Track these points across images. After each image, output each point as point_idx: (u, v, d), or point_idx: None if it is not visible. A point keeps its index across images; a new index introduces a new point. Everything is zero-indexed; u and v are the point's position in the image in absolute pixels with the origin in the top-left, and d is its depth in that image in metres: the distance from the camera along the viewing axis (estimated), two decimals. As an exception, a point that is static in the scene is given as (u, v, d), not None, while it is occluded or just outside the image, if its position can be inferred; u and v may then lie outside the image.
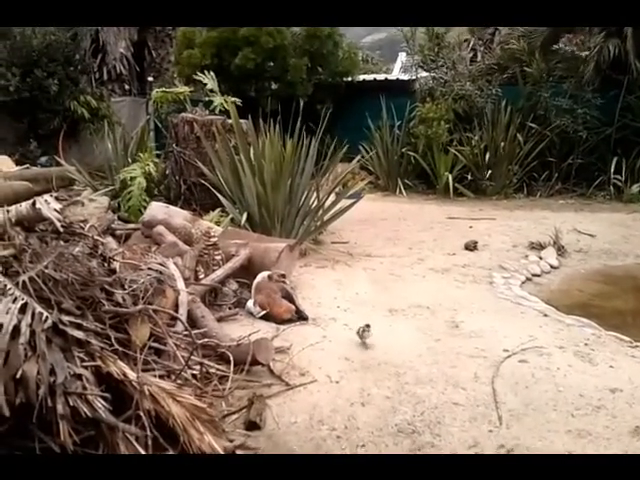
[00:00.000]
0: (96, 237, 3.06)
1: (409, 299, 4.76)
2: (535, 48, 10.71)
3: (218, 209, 6.08)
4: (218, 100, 6.95)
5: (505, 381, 3.26)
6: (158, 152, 7.87)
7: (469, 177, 10.44)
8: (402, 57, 17.19)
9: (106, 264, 2.95)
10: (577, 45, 10.45)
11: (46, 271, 2.50)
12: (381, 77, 14.02)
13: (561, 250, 6.54)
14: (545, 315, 4.51)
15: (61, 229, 2.91)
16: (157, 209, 5.44)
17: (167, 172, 6.93)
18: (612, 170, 9.79)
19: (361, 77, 13.13)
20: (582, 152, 10.22)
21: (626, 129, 9.97)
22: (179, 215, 5.39)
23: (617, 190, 9.73)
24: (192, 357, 2.92)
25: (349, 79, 12.46)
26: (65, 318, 2.40)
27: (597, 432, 2.77)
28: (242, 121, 6.41)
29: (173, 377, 2.77)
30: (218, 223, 5.72)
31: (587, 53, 9.95)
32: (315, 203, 6.32)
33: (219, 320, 3.90)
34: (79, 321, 2.46)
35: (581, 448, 2.66)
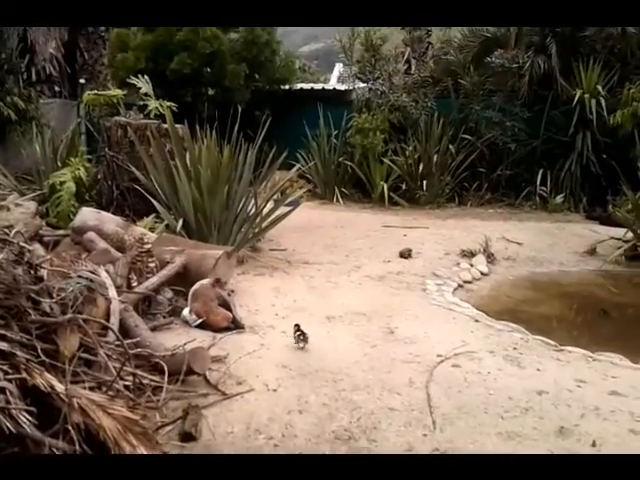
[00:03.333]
0: (22, 244, 2.92)
1: (346, 306, 4.81)
2: (468, 61, 11.10)
3: (152, 215, 5.93)
4: (153, 104, 6.80)
5: (439, 386, 3.35)
6: (90, 156, 7.61)
7: (403, 187, 10.67)
8: (339, 67, 17.45)
9: (33, 272, 2.82)
10: (507, 59, 10.90)
11: (-34, 279, 2.37)
12: (318, 87, 14.13)
13: (491, 258, 6.78)
14: (476, 320, 4.66)
15: (-17, 235, 2.77)
16: (88, 215, 5.27)
17: (99, 177, 6.72)
18: (538, 181, 10.25)
19: (299, 86, 13.18)
20: (510, 163, 10.63)
21: (551, 142, 10.47)
22: (111, 221, 5.23)
23: (543, 200, 10.18)
24: (124, 368, 2.83)
25: (287, 87, 12.49)
26: (-13, 329, 2.28)
27: (525, 433, 2.89)
28: (178, 126, 6.30)
29: (104, 389, 2.69)
30: (152, 229, 5.59)
31: (516, 66, 10.39)
32: (253, 210, 6.29)
33: (153, 329, 3.81)
34: (3, 332, 2.35)
35: (511, 449, 2.75)
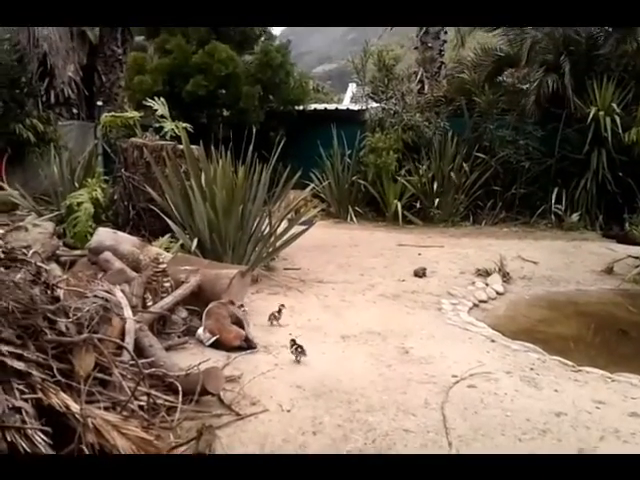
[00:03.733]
0: (39, 263, 2.96)
1: (361, 325, 4.78)
2: (481, 80, 11.16)
3: (168, 235, 5.99)
4: (169, 126, 6.90)
5: (454, 407, 3.30)
6: (106, 177, 7.73)
7: (417, 205, 10.67)
8: (352, 88, 17.59)
9: (49, 291, 2.85)
10: (518, 79, 10.93)
11: (-15, 299, 2.40)
12: (332, 107, 14.26)
13: (506, 277, 6.72)
14: (492, 340, 4.61)
15: (2, 255, 2.80)
16: (104, 235, 5.32)
17: (115, 197, 6.80)
18: (553, 199, 10.19)
19: (312, 106, 13.32)
20: (525, 182, 10.61)
21: (565, 160, 10.43)
22: (127, 241, 5.28)
23: (558, 218, 10.12)
24: (139, 388, 2.83)
25: (301, 108, 12.62)
26: (4, 348, 2.31)
27: (543, 455, 2.83)
28: (194, 147, 6.37)
29: (119, 409, 2.69)
30: (168, 249, 5.63)
31: (527, 85, 10.42)
32: (267, 229, 6.31)
33: (167, 349, 3.81)
34: (19, 351, 2.37)
35: (528, 472, 2.70)
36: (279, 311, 4.66)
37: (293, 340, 3.97)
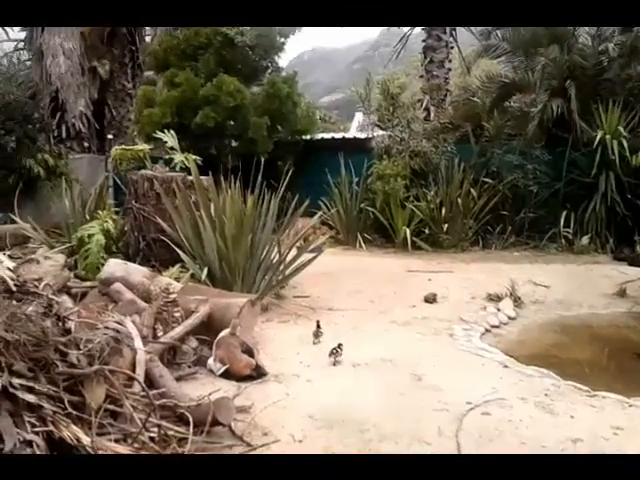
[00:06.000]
0: (50, 296, 2.98)
1: (372, 353, 4.75)
2: (488, 106, 11.26)
3: (178, 265, 6.01)
4: (178, 157, 6.99)
5: (469, 435, 3.26)
6: (117, 209, 7.81)
7: (426, 231, 10.66)
8: (359, 117, 17.79)
9: (60, 323, 2.87)
10: (525, 104, 11.01)
11: (-3, 332, 2.41)
12: (339, 136, 14.39)
13: (518, 301, 6.67)
14: (505, 366, 4.56)
15: (14, 288, 2.83)
16: (115, 266, 5.35)
17: (126, 229, 6.86)
18: (561, 223, 10.17)
19: (320, 135, 13.47)
20: (533, 206, 10.59)
21: (573, 184, 10.42)
22: (137, 272, 5.31)
23: (568, 242, 10.07)
24: (150, 419, 2.82)
25: (308, 137, 12.75)
26: (16, 381, 2.31)
27: (561, 484, 2.77)
28: (203, 178, 6.44)
29: (130, 440, 2.67)
30: (178, 279, 5.65)
31: (534, 110, 10.49)
32: (276, 258, 6.33)
33: (178, 379, 3.80)
34: (31, 384, 2.37)
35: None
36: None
37: (340, 344, 4.49)
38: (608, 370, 5.25)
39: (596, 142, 9.80)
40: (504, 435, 3.26)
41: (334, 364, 4.41)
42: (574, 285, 7.52)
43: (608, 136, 9.81)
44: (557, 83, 10.81)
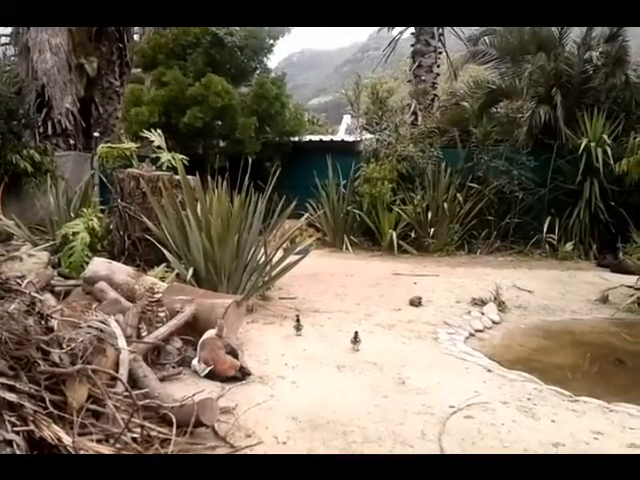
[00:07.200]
0: (33, 294, 2.95)
1: (357, 355, 4.76)
2: (475, 111, 11.34)
3: (163, 264, 5.98)
4: (165, 157, 6.95)
5: (452, 438, 3.27)
6: (102, 207, 7.74)
7: (412, 235, 10.71)
8: (347, 119, 17.84)
9: (43, 322, 2.84)
10: (512, 110, 11.11)
11: (-22, 329, 2.38)
12: (327, 138, 14.42)
13: (502, 306, 6.72)
14: (489, 370, 4.59)
15: (-4, 285, 2.80)
16: (99, 265, 5.31)
17: (111, 227, 6.81)
18: (546, 229, 10.27)
19: (308, 137, 13.48)
20: (519, 211, 10.70)
21: (558, 190, 10.55)
22: (122, 271, 5.27)
23: (552, 248, 10.17)
24: (132, 419, 2.80)
25: (296, 139, 12.76)
26: (-3, 379, 2.28)
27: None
28: (190, 177, 6.41)
29: (112, 441, 2.65)
30: (163, 279, 5.62)
31: (520, 116, 10.59)
32: (263, 259, 6.32)
33: (162, 380, 3.78)
34: (12, 382, 2.34)
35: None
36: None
37: (356, 332, 4.89)
38: (590, 375, 5.30)
39: (581, 149, 9.93)
40: (486, 438, 3.28)
41: (357, 350, 4.84)
42: (557, 291, 7.59)
43: (593, 144, 9.94)
44: (543, 90, 10.93)
